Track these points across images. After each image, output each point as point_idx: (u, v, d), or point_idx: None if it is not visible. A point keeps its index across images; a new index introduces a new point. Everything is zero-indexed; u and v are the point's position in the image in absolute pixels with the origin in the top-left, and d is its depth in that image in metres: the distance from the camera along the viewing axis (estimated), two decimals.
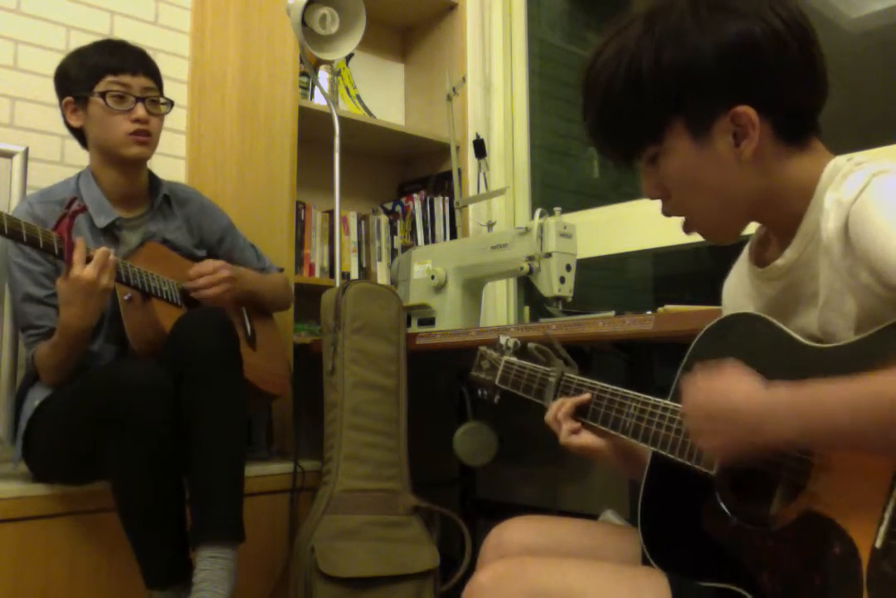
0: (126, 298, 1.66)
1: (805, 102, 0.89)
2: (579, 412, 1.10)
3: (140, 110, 1.73)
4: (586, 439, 1.09)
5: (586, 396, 1.09)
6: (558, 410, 1.11)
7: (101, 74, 1.72)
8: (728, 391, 0.82)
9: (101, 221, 1.74)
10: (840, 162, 0.88)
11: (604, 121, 0.94)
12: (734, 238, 0.96)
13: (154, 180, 1.88)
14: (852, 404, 0.73)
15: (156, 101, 1.78)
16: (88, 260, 1.51)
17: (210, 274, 1.77)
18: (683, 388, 0.87)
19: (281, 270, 2.09)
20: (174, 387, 1.51)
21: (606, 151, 0.97)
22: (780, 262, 0.91)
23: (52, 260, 1.65)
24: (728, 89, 0.86)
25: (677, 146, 0.90)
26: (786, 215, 0.90)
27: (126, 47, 1.78)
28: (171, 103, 1.82)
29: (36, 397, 1.66)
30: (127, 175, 1.80)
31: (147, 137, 1.75)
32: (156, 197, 1.85)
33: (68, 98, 1.75)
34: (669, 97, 0.88)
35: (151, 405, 1.45)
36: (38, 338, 1.67)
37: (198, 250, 1.91)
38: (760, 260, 0.97)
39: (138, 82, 1.74)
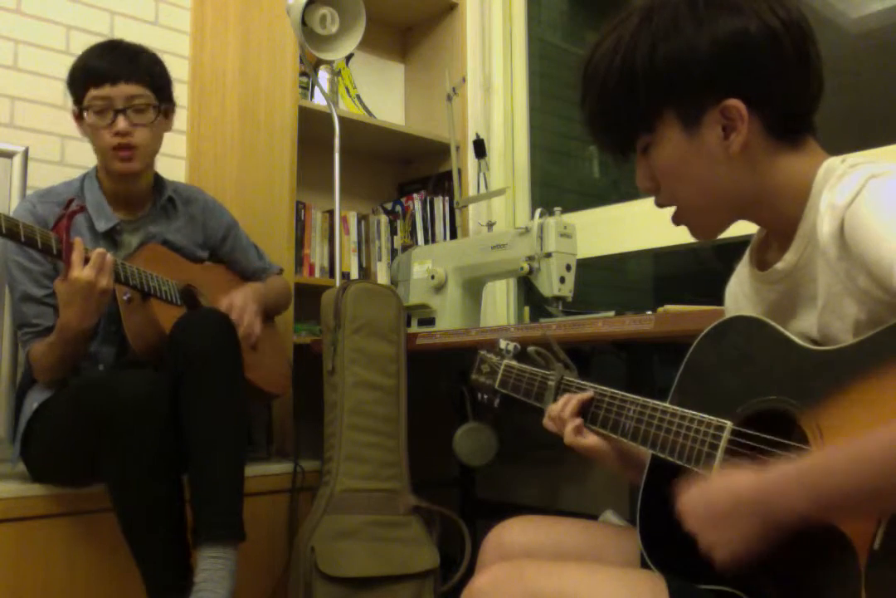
0: (125, 297, 1.65)
1: (798, 100, 0.90)
2: (580, 415, 1.10)
3: (120, 123, 1.67)
4: (592, 440, 1.07)
5: (589, 393, 1.09)
6: (563, 407, 1.09)
7: (85, 88, 1.68)
8: (724, 486, 0.80)
9: (102, 226, 1.73)
10: (834, 163, 0.88)
11: (600, 110, 0.95)
12: (716, 234, 0.97)
13: (159, 181, 1.86)
14: (861, 458, 0.70)
15: (141, 109, 1.70)
16: (86, 261, 1.50)
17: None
18: (678, 497, 0.84)
19: (281, 270, 2.10)
20: (172, 393, 1.50)
21: (602, 140, 0.99)
22: (779, 265, 0.91)
23: (52, 260, 1.64)
24: (719, 83, 0.87)
25: (668, 136, 0.91)
26: (781, 216, 0.91)
27: (118, 50, 1.72)
28: (157, 108, 1.72)
29: (34, 399, 1.66)
30: (125, 183, 1.78)
31: (129, 152, 1.70)
32: (159, 198, 1.84)
33: (73, 108, 1.73)
34: (662, 88, 0.89)
35: (148, 422, 1.44)
36: (32, 336, 1.67)
37: (200, 251, 1.91)
38: (761, 263, 0.97)
39: (119, 92, 1.67)
